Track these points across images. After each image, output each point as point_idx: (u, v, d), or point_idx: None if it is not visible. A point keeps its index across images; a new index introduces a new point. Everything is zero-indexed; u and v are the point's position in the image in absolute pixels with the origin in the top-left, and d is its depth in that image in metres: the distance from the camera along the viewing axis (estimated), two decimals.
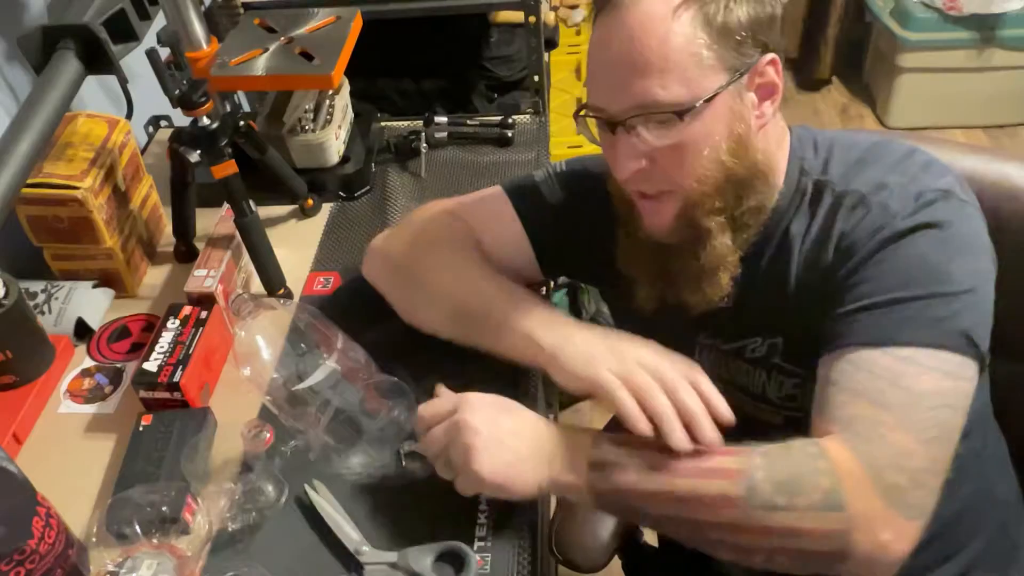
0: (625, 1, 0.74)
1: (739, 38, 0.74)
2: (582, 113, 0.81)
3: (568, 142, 2.06)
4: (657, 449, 0.74)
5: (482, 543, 0.82)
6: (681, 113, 0.73)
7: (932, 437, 0.72)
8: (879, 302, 0.76)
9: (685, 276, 0.83)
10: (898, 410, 0.72)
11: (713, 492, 0.72)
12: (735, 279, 0.83)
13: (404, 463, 0.88)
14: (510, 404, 0.81)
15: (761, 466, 0.72)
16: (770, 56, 0.76)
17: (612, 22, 0.75)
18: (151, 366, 0.94)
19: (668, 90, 0.73)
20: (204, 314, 1.00)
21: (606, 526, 1.05)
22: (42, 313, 1.06)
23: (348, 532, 0.82)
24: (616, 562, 1.14)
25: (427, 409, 0.82)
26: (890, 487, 0.70)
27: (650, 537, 1.26)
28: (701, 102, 0.73)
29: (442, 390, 0.84)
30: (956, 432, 0.74)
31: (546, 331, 0.83)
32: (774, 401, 0.88)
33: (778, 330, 0.85)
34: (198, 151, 1.02)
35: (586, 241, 0.95)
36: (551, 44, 2.27)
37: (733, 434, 0.94)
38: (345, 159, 1.26)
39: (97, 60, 0.97)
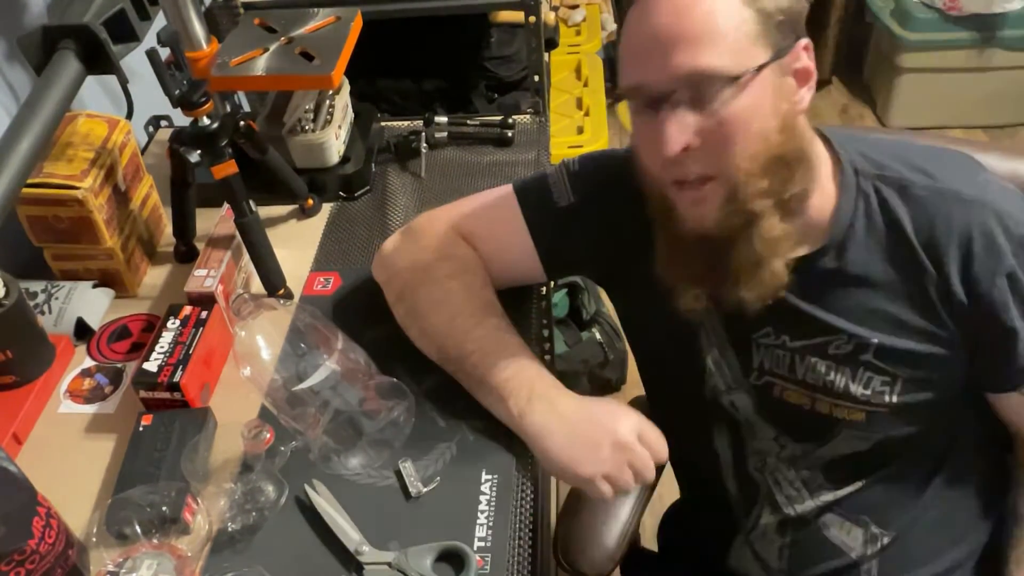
0: None
1: (780, 20, 0.74)
2: (618, 92, 0.80)
3: (568, 142, 2.06)
4: None
5: (482, 543, 0.82)
6: (735, 78, 0.73)
7: None
8: None
9: (739, 269, 0.81)
10: None
11: None
12: (799, 275, 0.83)
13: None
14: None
15: None
16: (805, 41, 0.77)
17: None
18: (151, 366, 0.94)
19: (721, 58, 0.73)
20: (204, 314, 1.00)
21: (611, 532, 1.05)
22: (42, 313, 1.06)
23: (348, 532, 0.82)
24: None
25: None
26: None
27: (650, 543, 1.26)
28: (752, 71, 0.73)
29: None
30: None
31: (524, 403, 0.86)
32: (858, 398, 0.87)
33: (871, 330, 0.84)
34: (198, 151, 1.02)
35: (595, 241, 0.94)
36: (551, 44, 2.27)
37: (796, 435, 0.94)
38: (345, 159, 1.26)
39: (97, 60, 0.97)
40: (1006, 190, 0.83)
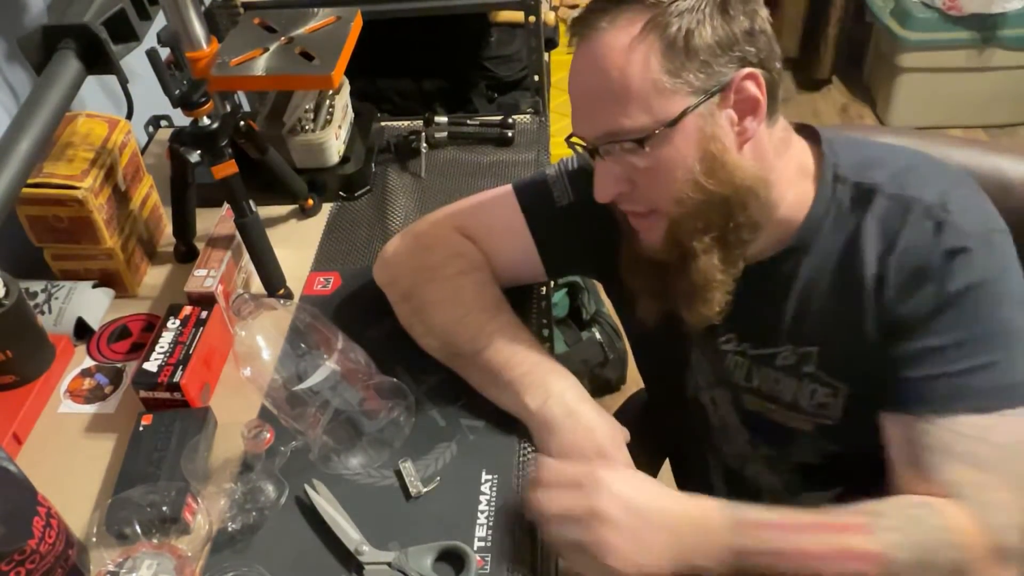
0: (590, 34, 0.76)
1: (706, 59, 0.73)
2: (573, 140, 0.83)
3: None
4: (795, 532, 0.74)
5: (482, 543, 0.82)
6: (641, 140, 0.75)
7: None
8: (961, 370, 0.76)
9: (679, 293, 0.83)
10: (996, 468, 0.74)
11: (847, 571, 0.73)
12: (736, 289, 0.82)
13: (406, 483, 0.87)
14: (642, 484, 0.78)
15: (898, 546, 0.72)
16: (745, 71, 0.75)
17: (580, 54, 0.77)
18: (151, 366, 0.94)
19: (631, 118, 0.74)
20: (204, 314, 1.00)
21: None
22: (42, 313, 1.06)
23: (348, 532, 0.82)
24: None
25: (549, 475, 0.78)
26: (1005, 548, 0.73)
27: None
28: (662, 128, 0.74)
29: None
30: None
31: (540, 402, 0.86)
32: (805, 409, 0.87)
33: (814, 340, 0.84)
34: (198, 151, 1.02)
35: (596, 239, 0.95)
36: (551, 44, 2.26)
37: (764, 439, 0.94)
38: (345, 159, 1.26)
39: (97, 60, 0.97)
40: (966, 203, 0.79)
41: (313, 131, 1.22)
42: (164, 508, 0.82)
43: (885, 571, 0.72)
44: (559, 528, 0.76)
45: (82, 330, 1.08)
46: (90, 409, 0.99)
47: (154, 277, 1.17)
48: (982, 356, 0.75)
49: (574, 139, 0.83)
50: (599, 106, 0.76)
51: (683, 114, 0.74)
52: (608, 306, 2.04)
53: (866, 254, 0.79)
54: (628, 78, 0.73)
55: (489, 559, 0.81)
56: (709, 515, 0.76)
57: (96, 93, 1.32)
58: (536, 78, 1.43)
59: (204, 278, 1.04)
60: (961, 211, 0.77)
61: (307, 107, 1.23)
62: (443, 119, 1.35)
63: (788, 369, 0.87)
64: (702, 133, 0.75)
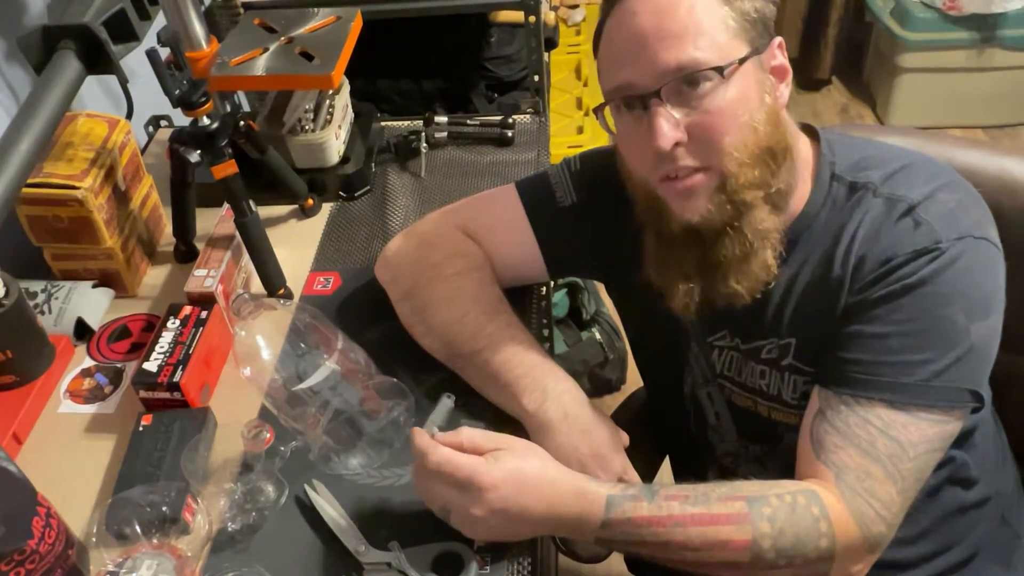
0: None
1: (754, 18, 0.77)
2: (605, 103, 0.81)
3: (568, 142, 2.06)
4: (669, 525, 0.76)
5: (481, 544, 0.81)
6: (721, 69, 0.75)
7: (911, 484, 0.77)
8: (893, 362, 0.77)
9: (728, 261, 0.81)
10: (886, 461, 0.76)
11: (720, 560, 0.75)
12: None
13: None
14: (522, 487, 0.76)
15: (768, 535, 0.74)
16: (779, 39, 0.80)
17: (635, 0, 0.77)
18: (151, 366, 0.94)
19: (704, 51, 0.75)
20: (204, 314, 1.00)
21: None
22: (42, 313, 1.06)
23: (348, 532, 0.82)
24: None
25: (435, 465, 0.76)
26: (873, 536, 0.76)
27: None
28: (735, 63, 0.76)
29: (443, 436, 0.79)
30: (932, 467, 0.79)
31: (537, 404, 0.87)
32: (789, 402, 0.87)
33: (792, 332, 0.85)
34: (198, 151, 1.02)
35: (598, 240, 0.95)
36: (551, 44, 2.27)
37: (752, 436, 0.94)
38: (345, 159, 1.26)
39: (97, 60, 0.97)
40: (949, 205, 0.79)
41: (313, 131, 1.22)
42: (164, 508, 0.82)
43: (752, 557, 0.74)
44: (431, 503, 0.79)
45: (82, 330, 1.08)
46: (90, 409, 0.99)
47: (154, 277, 1.17)
48: (919, 352, 0.76)
49: (609, 98, 0.81)
50: (669, 40, 0.75)
51: (746, 57, 0.77)
52: (608, 306, 2.04)
53: (849, 250, 0.80)
54: (698, 15, 0.75)
55: (489, 559, 0.81)
56: (584, 513, 0.77)
57: (96, 93, 1.32)
58: (536, 78, 1.43)
59: (204, 278, 1.04)
60: (940, 213, 0.78)
61: (307, 107, 1.23)
62: (443, 119, 1.35)
63: (771, 362, 0.87)
64: (758, 83, 0.78)
